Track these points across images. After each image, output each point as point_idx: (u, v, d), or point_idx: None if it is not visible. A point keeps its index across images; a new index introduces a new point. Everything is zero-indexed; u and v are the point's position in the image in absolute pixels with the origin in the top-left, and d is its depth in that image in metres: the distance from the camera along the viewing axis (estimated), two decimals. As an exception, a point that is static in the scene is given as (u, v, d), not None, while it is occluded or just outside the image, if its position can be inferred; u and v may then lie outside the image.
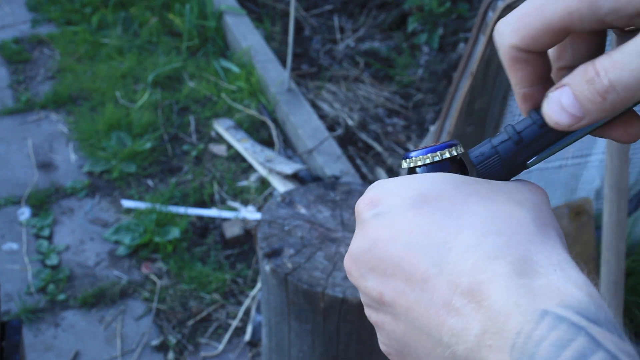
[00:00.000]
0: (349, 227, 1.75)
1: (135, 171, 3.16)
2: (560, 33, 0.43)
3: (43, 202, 3.01)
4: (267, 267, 1.66)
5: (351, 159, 3.20)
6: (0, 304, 1.57)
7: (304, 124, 3.29)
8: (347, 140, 3.32)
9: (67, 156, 3.28)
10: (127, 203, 2.99)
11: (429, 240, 0.43)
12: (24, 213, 2.96)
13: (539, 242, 0.41)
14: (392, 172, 3.17)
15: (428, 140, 2.34)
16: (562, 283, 0.39)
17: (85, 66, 3.81)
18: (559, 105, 0.44)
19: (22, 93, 3.65)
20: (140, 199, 3.03)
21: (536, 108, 0.48)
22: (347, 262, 0.48)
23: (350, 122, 3.41)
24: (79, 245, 2.83)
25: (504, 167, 0.49)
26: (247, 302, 2.60)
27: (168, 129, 3.41)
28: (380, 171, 3.17)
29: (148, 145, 3.26)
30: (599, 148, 2.26)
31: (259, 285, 2.62)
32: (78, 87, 3.67)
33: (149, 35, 4.03)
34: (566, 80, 0.44)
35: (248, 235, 2.85)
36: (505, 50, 0.46)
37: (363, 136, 3.35)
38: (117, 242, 2.83)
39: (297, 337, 1.74)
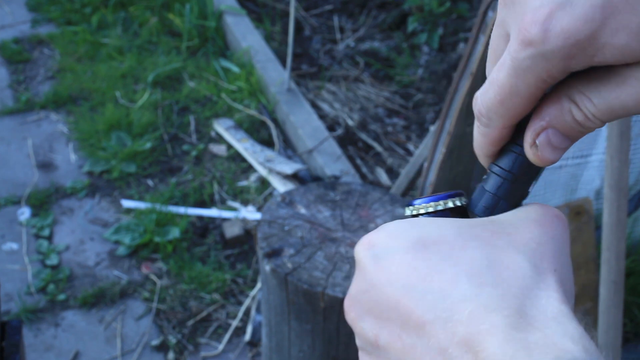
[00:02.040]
0: (349, 227, 1.75)
1: (135, 171, 3.16)
2: (541, 95, 0.44)
3: (43, 202, 3.01)
4: (267, 267, 1.66)
5: (351, 159, 3.20)
6: (0, 304, 1.57)
7: (304, 124, 3.29)
8: (347, 140, 3.31)
9: (67, 156, 3.28)
10: (127, 203, 2.99)
11: (426, 285, 0.43)
12: (24, 213, 2.96)
13: (535, 296, 0.41)
14: (392, 172, 3.17)
15: (428, 140, 2.34)
16: (558, 338, 0.39)
17: (85, 66, 3.81)
18: (551, 147, 0.45)
19: (22, 93, 3.65)
20: (140, 199, 3.03)
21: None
22: (346, 303, 0.48)
23: (350, 122, 3.41)
24: (79, 245, 2.83)
25: (510, 206, 0.49)
26: (247, 302, 2.60)
27: (168, 129, 3.41)
28: (380, 171, 3.17)
29: (148, 145, 3.26)
30: (599, 148, 2.26)
31: (259, 285, 2.62)
32: (78, 87, 3.66)
33: (149, 35, 4.03)
34: (547, 121, 0.44)
35: (248, 235, 2.85)
36: (497, 132, 0.47)
37: (363, 136, 3.35)
38: (117, 242, 2.83)
39: (297, 337, 1.74)
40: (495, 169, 0.49)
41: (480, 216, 0.49)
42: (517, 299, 0.41)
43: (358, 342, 0.48)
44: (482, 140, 0.48)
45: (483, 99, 0.46)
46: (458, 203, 0.50)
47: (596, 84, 0.42)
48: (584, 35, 0.39)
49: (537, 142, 0.45)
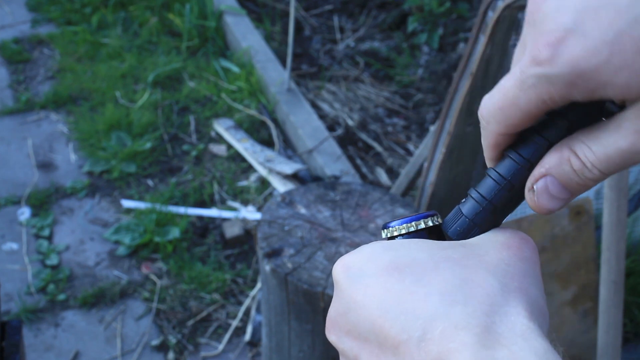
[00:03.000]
0: (349, 227, 1.75)
1: (135, 171, 3.16)
2: (540, 114, 0.46)
3: (43, 202, 3.01)
4: (267, 267, 1.66)
5: (351, 159, 3.20)
6: (0, 304, 1.57)
7: (304, 124, 3.29)
8: (347, 140, 3.32)
9: (67, 156, 3.28)
10: (127, 203, 2.99)
11: (399, 306, 0.44)
12: (24, 213, 2.96)
13: (503, 313, 0.43)
14: (392, 172, 3.17)
15: (428, 140, 2.34)
16: (523, 354, 0.40)
17: (85, 66, 3.82)
18: (549, 195, 0.47)
19: (22, 93, 3.65)
20: (140, 199, 3.03)
21: (494, 165, 0.50)
22: (327, 324, 0.49)
23: (350, 122, 3.41)
24: (79, 245, 2.83)
25: (482, 232, 0.51)
26: (247, 302, 2.61)
27: (168, 129, 3.41)
28: (380, 171, 3.17)
29: (148, 145, 3.26)
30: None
31: (259, 285, 2.62)
32: (78, 87, 3.67)
33: (149, 35, 4.03)
34: (547, 169, 0.46)
35: (248, 235, 2.85)
36: (492, 137, 0.49)
37: (363, 136, 3.35)
38: (117, 242, 2.83)
39: (297, 337, 1.74)
40: (475, 194, 0.51)
41: (453, 239, 0.51)
42: (487, 317, 0.42)
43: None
44: (483, 142, 0.50)
45: (487, 101, 0.48)
46: (430, 224, 0.51)
47: (596, 132, 0.44)
48: (589, 67, 0.41)
49: (534, 187, 0.47)
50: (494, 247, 0.48)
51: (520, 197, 0.50)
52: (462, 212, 0.51)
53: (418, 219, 0.51)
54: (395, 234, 0.51)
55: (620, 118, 0.43)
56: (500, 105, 0.46)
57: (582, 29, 0.41)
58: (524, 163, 0.48)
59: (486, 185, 0.50)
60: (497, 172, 0.49)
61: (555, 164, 0.46)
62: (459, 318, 0.42)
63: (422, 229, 0.51)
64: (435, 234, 0.51)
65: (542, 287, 0.47)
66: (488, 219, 0.50)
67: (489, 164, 0.51)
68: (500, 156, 0.50)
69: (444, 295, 0.44)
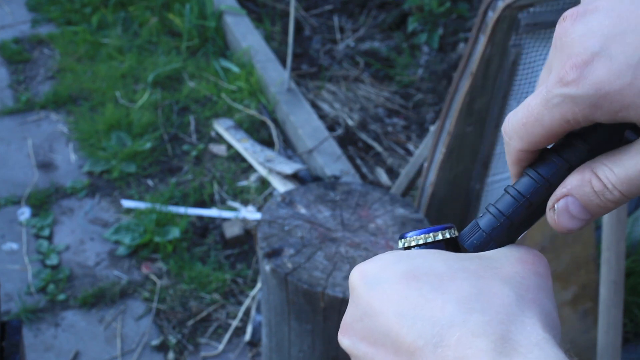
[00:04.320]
0: (349, 227, 1.75)
1: (135, 171, 3.16)
2: (561, 134, 0.47)
3: (43, 202, 3.01)
4: (267, 267, 1.66)
5: (351, 159, 3.20)
6: (0, 304, 1.57)
7: (304, 124, 3.29)
8: (347, 140, 3.31)
9: (67, 156, 3.28)
10: (127, 203, 2.99)
11: (416, 312, 0.45)
12: (24, 213, 2.96)
13: (520, 323, 0.44)
14: (392, 172, 3.17)
15: (428, 139, 2.34)
16: None
17: (85, 66, 3.81)
18: (569, 215, 0.48)
19: (22, 93, 3.65)
20: (140, 199, 3.03)
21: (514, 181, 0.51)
22: (342, 329, 0.50)
23: (350, 122, 3.41)
24: (79, 245, 2.83)
25: (498, 247, 0.52)
26: (247, 302, 2.61)
27: (168, 129, 3.41)
28: (380, 171, 3.17)
29: (148, 145, 3.26)
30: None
31: (259, 285, 2.62)
32: (78, 87, 3.67)
33: (149, 35, 4.03)
34: (568, 189, 0.48)
35: (248, 235, 2.85)
36: (514, 153, 0.50)
37: (363, 136, 3.35)
38: (117, 242, 2.83)
39: (297, 337, 1.74)
40: (493, 209, 0.52)
41: (469, 251, 0.52)
42: (503, 325, 0.43)
43: None
44: (507, 158, 0.52)
45: (511, 118, 0.49)
46: (448, 235, 0.52)
47: (617, 156, 0.46)
48: (613, 89, 0.43)
49: (555, 206, 0.48)
50: (509, 261, 0.49)
51: (537, 215, 0.51)
52: (479, 226, 0.52)
53: (436, 231, 0.52)
54: (413, 244, 0.52)
55: None
56: (524, 122, 0.48)
57: (608, 52, 0.43)
58: (542, 182, 0.49)
59: (504, 202, 0.51)
60: (515, 189, 0.51)
61: (577, 184, 0.47)
62: (476, 326, 0.43)
63: (439, 241, 0.52)
64: (451, 246, 0.52)
65: (555, 302, 0.48)
66: (504, 234, 0.51)
67: (512, 179, 0.52)
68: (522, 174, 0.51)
69: (461, 304, 0.44)
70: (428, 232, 0.52)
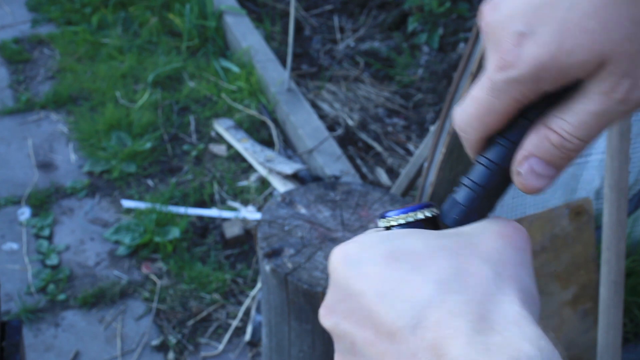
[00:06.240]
0: (349, 227, 1.75)
1: (135, 171, 3.16)
2: (516, 113, 0.49)
3: (43, 202, 3.01)
4: (267, 267, 1.66)
5: (351, 159, 3.20)
6: (0, 304, 1.57)
7: (304, 124, 3.29)
8: (347, 140, 3.32)
9: (67, 156, 3.28)
10: (127, 203, 2.99)
11: (396, 293, 0.45)
12: (24, 213, 2.96)
13: (497, 301, 0.44)
14: (392, 172, 3.17)
15: (428, 140, 2.34)
16: (516, 339, 0.42)
17: (85, 66, 3.82)
18: (535, 175, 0.49)
19: (22, 93, 3.65)
20: (140, 199, 3.03)
21: (483, 153, 0.52)
22: (323, 311, 0.50)
23: (350, 122, 3.41)
24: (79, 245, 2.83)
25: (479, 217, 0.52)
26: (247, 302, 2.61)
27: (168, 129, 3.41)
28: (380, 171, 3.17)
29: (148, 145, 3.26)
30: (599, 148, 2.27)
31: (259, 285, 2.62)
32: (78, 87, 3.67)
33: (149, 35, 4.03)
34: (528, 150, 0.49)
35: (248, 235, 2.85)
36: (474, 144, 0.52)
37: (363, 136, 3.35)
38: (117, 242, 2.83)
39: (297, 337, 1.74)
40: (467, 181, 0.52)
41: (451, 227, 0.52)
42: (481, 305, 0.44)
43: (336, 346, 0.50)
44: (467, 150, 0.53)
45: (462, 113, 0.51)
46: (428, 214, 0.52)
47: (567, 105, 0.47)
48: (547, 59, 0.46)
49: (520, 170, 0.49)
50: (488, 235, 0.49)
51: (510, 179, 0.51)
52: (457, 201, 0.52)
53: (415, 210, 0.52)
54: (394, 223, 0.52)
55: (585, 87, 0.46)
56: (476, 115, 0.50)
57: (531, 29, 0.46)
58: (510, 146, 0.50)
59: (478, 172, 0.52)
60: (487, 158, 0.51)
61: (536, 143, 0.48)
62: (454, 306, 0.43)
63: (419, 220, 0.52)
64: (431, 224, 0.52)
65: (534, 275, 0.49)
66: (483, 204, 0.52)
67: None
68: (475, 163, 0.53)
69: (440, 284, 0.45)
70: (408, 212, 0.52)
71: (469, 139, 0.52)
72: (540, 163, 0.49)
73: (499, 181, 0.51)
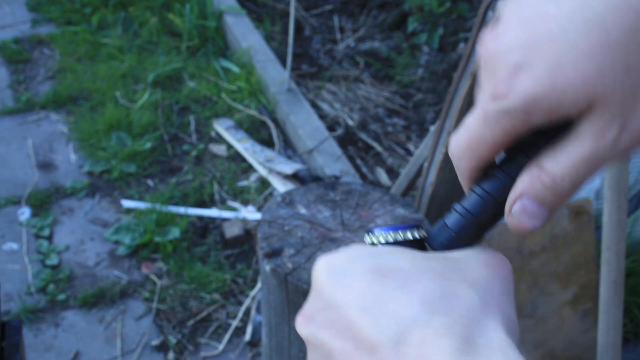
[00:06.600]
0: (349, 227, 1.75)
1: (135, 171, 3.16)
2: (506, 145, 0.49)
3: (43, 202, 3.01)
4: (267, 267, 1.66)
5: (351, 159, 3.20)
6: (0, 304, 1.57)
7: (304, 124, 3.29)
8: (347, 140, 3.32)
9: (67, 156, 3.28)
10: (127, 203, 2.99)
11: (381, 308, 0.45)
12: (24, 213, 2.96)
13: (483, 326, 0.45)
14: (392, 172, 3.17)
15: (428, 140, 2.34)
16: None
17: (85, 66, 3.82)
18: (527, 215, 0.49)
19: (22, 93, 3.65)
20: (140, 199, 3.03)
21: (478, 182, 0.52)
22: (300, 320, 0.50)
23: (350, 122, 3.41)
24: (79, 245, 2.83)
25: (466, 245, 0.52)
26: (247, 302, 2.61)
27: (168, 129, 3.41)
28: (380, 171, 3.17)
29: (148, 145, 3.26)
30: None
31: (259, 285, 2.62)
32: (78, 87, 3.67)
33: (149, 35, 4.03)
34: (521, 190, 0.49)
35: (248, 235, 2.85)
36: (466, 172, 0.52)
37: (363, 136, 3.35)
38: (117, 242, 2.83)
39: (297, 337, 1.74)
40: (460, 208, 0.52)
41: (438, 250, 0.52)
42: (466, 328, 0.44)
43: (310, 355, 0.50)
44: (460, 178, 0.53)
45: (455, 141, 0.51)
46: (417, 235, 0.52)
47: (559, 146, 0.47)
48: (539, 94, 0.46)
49: (512, 210, 0.49)
50: (475, 263, 0.49)
51: (503, 212, 0.51)
52: (447, 225, 0.52)
53: (404, 229, 0.52)
54: (382, 240, 0.52)
55: (577, 128, 0.46)
56: (468, 144, 0.50)
57: (528, 62, 0.46)
58: (507, 180, 0.50)
59: (471, 201, 0.52)
60: (482, 188, 0.51)
61: (528, 183, 0.48)
62: (439, 326, 0.43)
63: (407, 240, 0.52)
64: (418, 245, 0.52)
65: (515, 306, 0.50)
66: (472, 233, 0.52)
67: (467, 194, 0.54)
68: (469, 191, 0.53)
69: (426, 304, 0.45)
70: (396, 230, 0.52)
71: (461, 168, 0.52)
72: (532, 203, 0.48)
73: (491, 212, 0.51)
